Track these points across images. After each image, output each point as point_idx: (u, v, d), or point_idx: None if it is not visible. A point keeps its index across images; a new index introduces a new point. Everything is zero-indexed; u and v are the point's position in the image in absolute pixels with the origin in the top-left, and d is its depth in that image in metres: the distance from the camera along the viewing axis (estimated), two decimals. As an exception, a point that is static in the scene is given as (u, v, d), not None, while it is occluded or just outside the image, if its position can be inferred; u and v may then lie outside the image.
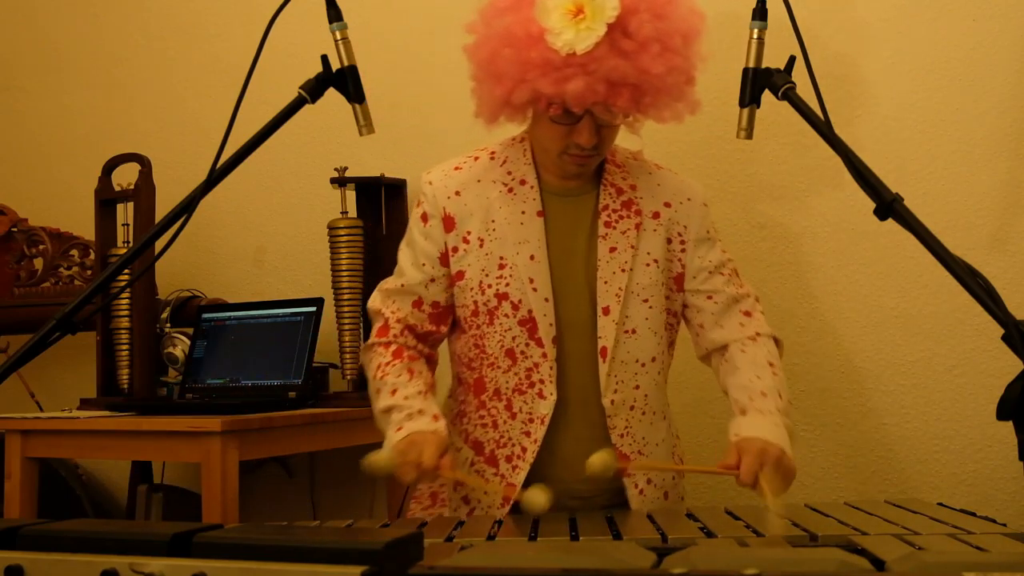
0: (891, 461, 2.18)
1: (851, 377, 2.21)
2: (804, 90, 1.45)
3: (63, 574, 0.93)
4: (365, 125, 1.59)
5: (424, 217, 1.69)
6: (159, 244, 1.50)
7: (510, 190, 1.66)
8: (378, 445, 2.56)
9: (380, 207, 2.57)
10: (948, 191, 2.13)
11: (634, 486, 1.67)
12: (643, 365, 1.67)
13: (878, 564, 1.00)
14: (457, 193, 1.67)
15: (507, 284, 1.63)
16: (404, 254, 1.73)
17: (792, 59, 1.49)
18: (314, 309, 2.46)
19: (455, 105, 2.61)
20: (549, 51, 1.46)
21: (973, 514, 1.40)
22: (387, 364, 1.66)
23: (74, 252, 2.94)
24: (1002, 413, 1.17)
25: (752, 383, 1.62)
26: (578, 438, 1.64)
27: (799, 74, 1.46)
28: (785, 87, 1.46)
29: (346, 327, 2.46)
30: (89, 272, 2.88)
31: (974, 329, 2.10)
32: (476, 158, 1.72)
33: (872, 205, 1.34)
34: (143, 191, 2.59)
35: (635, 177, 1.71)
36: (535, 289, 1.62)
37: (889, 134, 2.18)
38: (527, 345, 1.63)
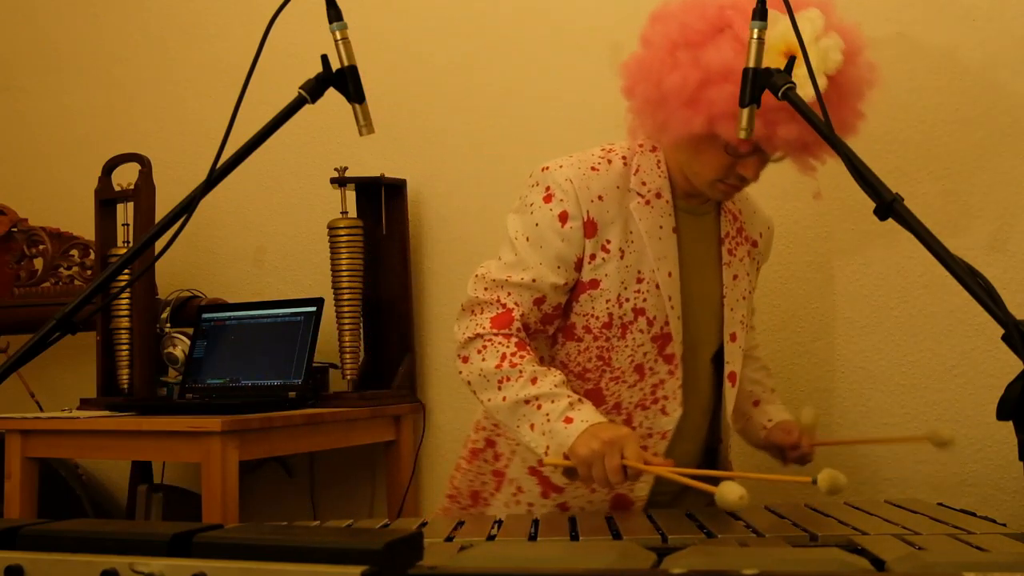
0: (891, 461, 2.18)
1: (851, 377, 2.21)
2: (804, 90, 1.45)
3: (63, 574, 0.93)
4: (365, 125, 1.59)
5: (563, 216, 1.56)
6: (159, 244, 1.50)
7: (647, 202, 1.60)
8: (378, 445, 2.56)
9: (380, 207, 2.57)
10: (948, 191, 2.13)
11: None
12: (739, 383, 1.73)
13: (878, 564, 1.00)
14: (600, 198, 1.57)
15: (644, 299, 1.58)
16: (529, 248, 1.57)
17: (792, 59, 1.49)
18: (314, 309, 2.46)
19: (455, 105, 2.62)
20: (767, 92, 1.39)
21: (973, 514, 1.40)
22: (514, 354, 1.51)
23: (74, 252, 2.94)
24: (1002, 413, 1.17)
25: (762, 380, 1.87)
26: (687, 453, 1.68)
27: (799, 74, 1.46)
28: (785, 87, 1.46)
29: (346, 327, 2.46)
30: (89, 272, 2.88)
31: (974, 329, 2.10)
32: (609, 161, 1.62)
33: (872, 205, 1.34)
34: (143, 191, 2.59)
35: (740, 201, 1.75)
36: (672, 307, 1.60)
37: (889, 134, 2.18)
38: (656, 361, 1.61)
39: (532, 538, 1.29)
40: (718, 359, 1.70)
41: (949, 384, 2.13)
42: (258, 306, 2.58)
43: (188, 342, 2.60)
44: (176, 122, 3.02)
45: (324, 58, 1.58)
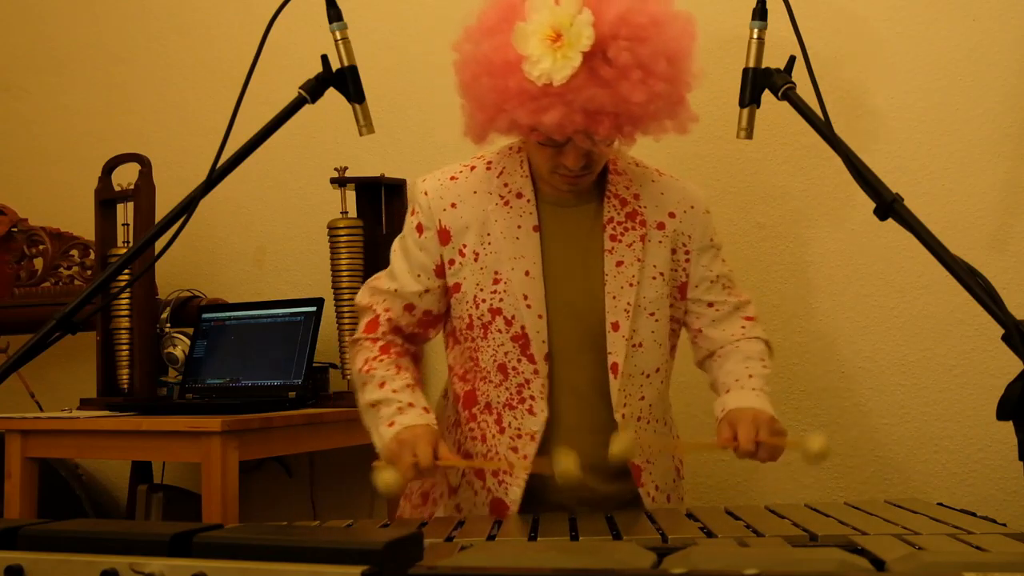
0: (891, 461, 2.18)
1: (851, 377, 2.21)
2: (804, 90, 1.45)
3: (63, 574, 0.93)
4: (365, 125, 1.59)
5: (419, 228, 1.66)
6: (159, 244, 1.50)
7: (506, 203, 1.63)
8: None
9: (380, 207, 2.57)
10: (948, 191, 2.13)
11: (647, 495, 1.66)
12: (648, 377, 1.66)
13: (878, 564, 1.00)
14: (453, 205, 1.64)
15: (501, 300, 1.61)
16: (398, 258, 1.70)
17: (792, 59, 1.49)
18: (314, 309, 2.46)
19: (455, 105, 2.62)
20: (526, 80, 1.41)
21: (973, 514, 1.40)
22: (375, 359, 1.64)
23: (74, 252, 2.94)
24: (1002, 413, 1.17)
25: (739, 370, 1.65)
26: (583, 454, 1.57)
27: (799, 74, 1.46)
28: (785, 87, 1.46)
29: (346, 327, 2.46)
30: (89, 272, 2.88)
31: (974, 329, 2.10)
32: (472, 167, 1.69)
33: (872, 205, 1.34)
34: (143, 191, 2.59)
35: (638, 185, 1.67)
36: (529, 306, 1.60)
37: (889, 134, 2.18)
38: (519, 361, 1.62)
39: (532, 538, 1.29)
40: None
41: (949, 384, 2.13)
42: (258, 306, 2.58)
43: (188, 342, 2.60)
44: (176, 122, 3.02)
45: (324, 58, 1.58)
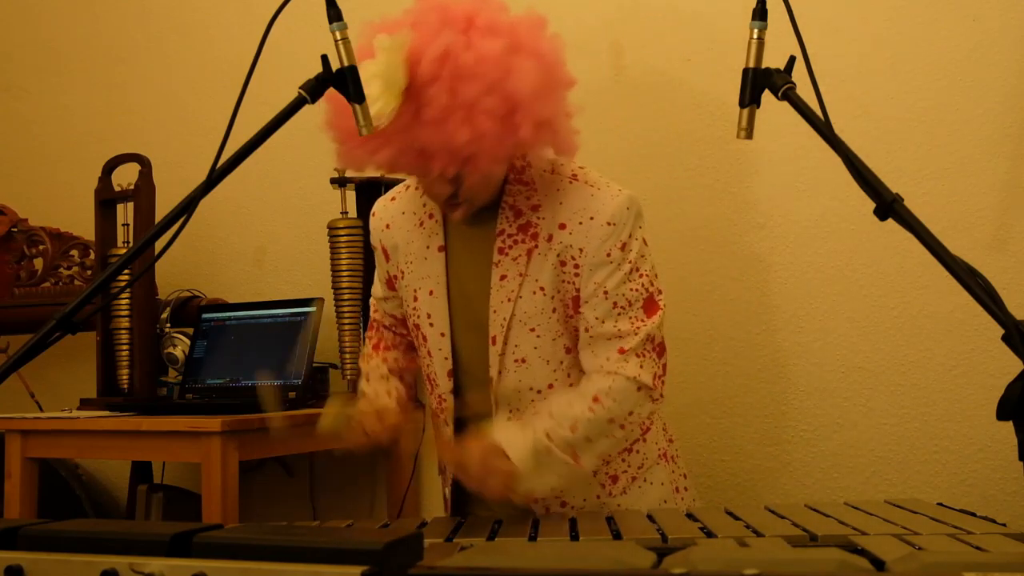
0: (891, 461, 2.18)
1: (851, 377, 2.21)
2: (804, 90, 1.45)
3: (63, 574, 0.93)
4: (365, 125, 1.59)
5: (373, 246, 1.80)
6: (159, 244, 1.50)
7: (420, 223, 1.70)
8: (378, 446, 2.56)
9: (380, 207, 2.56)
10: (948, 191, 2.13)
11: (542, 507, 1.64)
12: (539, 392, 1.61)
13: (878, 564, 1.00)
14: (387, 227, 1.74)
15: (418, 317, 1.69)
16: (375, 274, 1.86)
17: (792, 59, 1.49)
18: (314, 309, 2.46)
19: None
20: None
21: (973, 514, 1.40)
22: (367, 356, 1.82)
23: (74, 252, 2.94)
24: (1002, 413, 1.17)
25: (554, 403, 1.55)
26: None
27: (799, 74, 1.46)
28: (785, 87, 1.46)
29: (346, 327, 2.46)
30: (89, 272, 2.88)
31: (974, 329, 2.10)
32: (408, 187, 1.75)
33: (872, 205, 1.34)
34: (143, 191, 2.59)
35: (541, 195, 1.59)
36: (431, 324, 1.67)
37: (889, 134, 2.18)
38: (436, 374, 1.69)
39: (532, 538, 1.29)
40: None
41: (949, 384, 2.13)
42: (258, 306, 2.58)
43: (188, 342, 2.60)
44: (176, 122, 3.02)
45: (324, 58, 1.57)
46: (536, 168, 1.62)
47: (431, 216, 1.68)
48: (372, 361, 1.79)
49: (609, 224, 1.55)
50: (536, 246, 1.58)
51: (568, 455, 1.49)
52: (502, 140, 1.46)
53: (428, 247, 1.67)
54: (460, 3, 1.48)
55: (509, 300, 1.59)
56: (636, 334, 1.54)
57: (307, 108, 1.57)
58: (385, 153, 1.48)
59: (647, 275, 1.58)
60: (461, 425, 1.67)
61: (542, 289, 1.58)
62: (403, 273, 1.71)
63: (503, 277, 1.60)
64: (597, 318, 1.56)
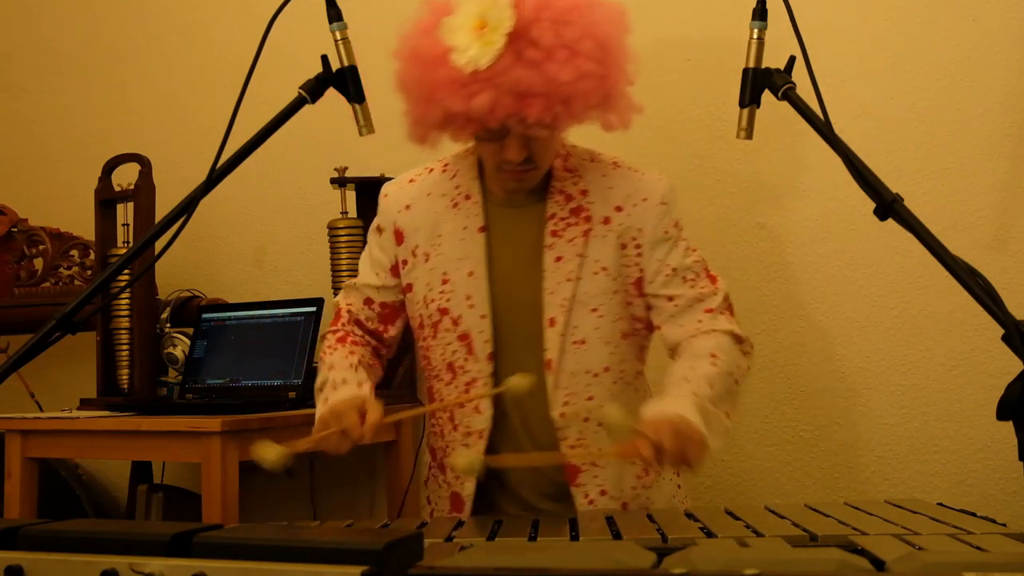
0: (891, 461, 2.18)
1: (851, 377, 2.21)
2: (804, 90, 1.45)
3: (63, 574, 0.93)
4: (365, 125, 1.59)
5: (378, 229, 1.74)
6: (159, 244, 1.50)
7: (455, 204, 1.67)
8: (378, 446, 2.56)
9: (380, 207, 2.56)
10: (948, 191, 2.13)
11: (583, 496, 1.64)
12: (595, 376, 1.63)
13: (878, 564, 1.00)
14: (407, 207, 1.70)
15: (448, 300, 1.65)
16: (363, 256, 1.78)
17: (792, 59, 1.49)
18: (314, 309, 2.46)
19: (455, 105, 2.62)
20: (454, 69, 1.44)
21: (973, 514, 1.40)
22: (329, 347, 1.71)
23: (74, 252, 2.94)
24: (1002, 413, 1.17)
25: (679, 371, 1.57)
26: (522, 451, 1.64)
27: (799, 74, 1.46)
28: (785, 87, 1.46)
29: (346, 327, 2.46)
30: (89, 272, 2.88)
31: (974, 329, 2.10)
32: (431, 170, 1.73)
33: (872, 205, 1.34)
34: (143, 191, 2.59)
35: (588, 181, 1.66)
36: (472, 306, 1.63)
37: (889, 134, 2.18)
38: (465, 360, 1.64)
39: (532, 538, 1.29)
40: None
41: (949, 384, 2.13)
42: (258, 306, 2.58)
43: (188, 342, 2.60)
44: (176, 122, 3.02)
45: (324, 58, 1.58)
46: (576, 157, 1.69)
47: (467, 197, 1.67)
48: (337, 352, 1.68)
49: (663, 203, 1.65)
50: (591, 228, 1.63)
51: (721, 411, 1.53)
52: (599, 83, 1.49)
53: (466, 228, 1.65)
54: None
55: (569, 280, 1.61)
56: (716, 295, 1.65)
57: (307, 108, 1.58)
58: (484, 97, 1.44)
59: (697, 250, 1.68)
60: (499, 408, 1.63)
61: (604, 270, 1.62)
62: (428, 256, 1.67)
63: (558, 259, 1.62)
64: (675, 293, 1.64)
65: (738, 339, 1.63)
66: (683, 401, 1.48)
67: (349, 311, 1.76)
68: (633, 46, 1.56)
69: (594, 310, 1.62)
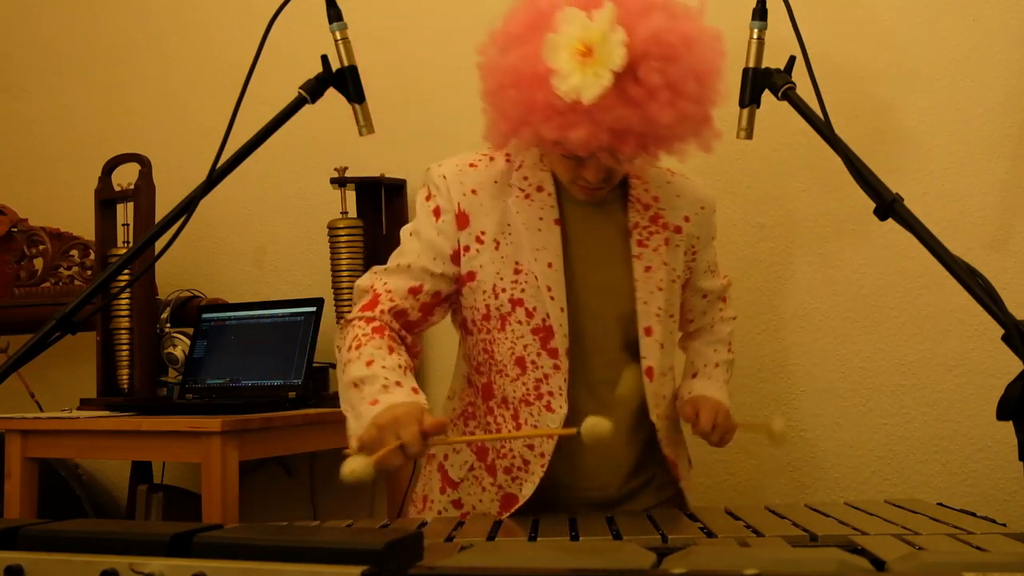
0: (891, 461, 2.18)
1: (851, 377, 2.21)
2: (804, 90, 1.45)
3: (63, 574, 0.93)
4: (365, 125, 1.59)
5: (437, 211, 1.61)
6: (159, 244, 1.50)
7: (527, 196, 1.60)
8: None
9: (380, 207, 2.57)
10: (948, 191, 2.13)
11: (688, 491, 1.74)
12: (663, 375, 1.68)
13: (878, 564, 1.00)
14: (473, 191, 1.60)
15: (522, 290, 1.57)
16: (411, 243, 1.62)
17: (792, 59, 1.49)
18: (314, 309, 2.46)
19: (456, 105, 2.62)
20: (553, 95, 1.37)
21: (973, 514, 1.40)
22: (364, 336, 1.52)
23: (74, 252, 2.94)
24: (1002, 413, 1.17)
25: (707, 354, 1.81)
26: (605, 453, 1.60)
27: (799, 74, 1.46)
28: (785, 87, 1.46)
29: (346, 327, 2.46)
30: (89, 272, 2.88)
31: (974, 329, 2.10)
32: (491, 158, 1.65)
33: (872, 205, 1.34)
34: (143, 191, 2.59)
35: (656, 187, 1.68)
36: (552, 298, 1.56)
37: (889, 134, 2.18)
38: (538, 355, 1.57)
39: (532, 538, 1.29)
40: (635, 353, 1.63)
41: (949, 384, 2.13)
42: (258, 306, 2.58)
43: (188, 342, 2.60)
44: (176, 122, 3.02)
45: (324, 58, 1.58)
46: (639, 165, 1.64)
47: (540, 189, 1.62)
48: (375, 343, 1.50)
49: (713, 211, 1.76)
50: (668, 236, 1.67)
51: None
52: (696, 123, 1.47)
53: (542, 219, 1.60)
54: None
55: (660, 290, 1.64)
56: (726, 286, 1.85)
57: (307, 108, 1.57)
58: (581, 130, 1.39)
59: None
60: (573, 405, 1.58)
61: (679, 278, 1.70)
62: (498, 243, 1.59)
63: (648, 268, 1.63)
64: (708, 288, 1.79)
65: (732, 327, 1.87)
66: (723, 391, 1.75)
67: (391, 299, 1.58)
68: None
69: (672, 316, 1.69)
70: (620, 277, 1.63)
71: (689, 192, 1.72)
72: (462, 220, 1.60)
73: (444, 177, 1.61)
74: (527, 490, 1.58)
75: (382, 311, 1.57)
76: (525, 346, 1.58)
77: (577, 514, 1.48)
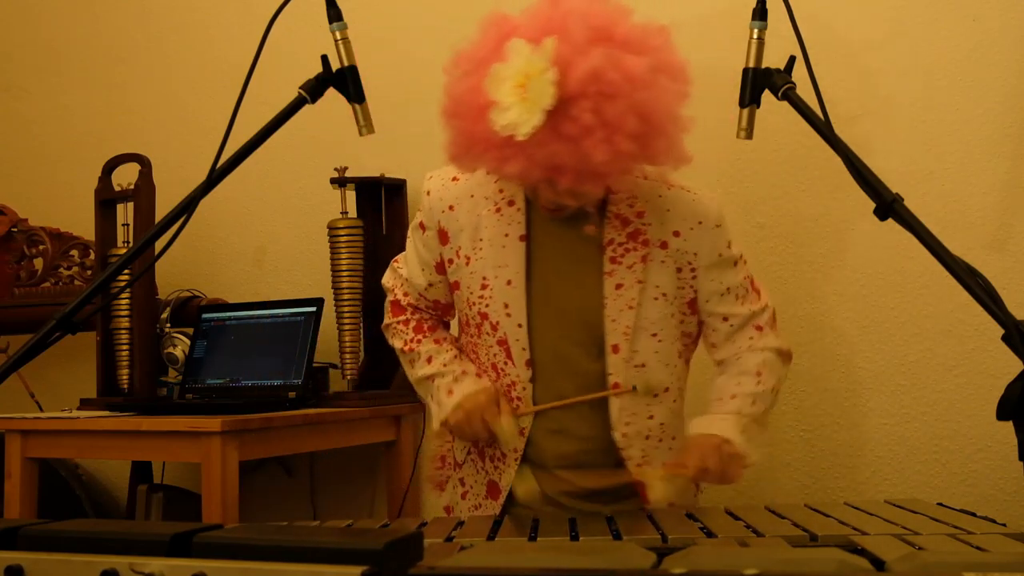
0: (891, 461, 2.18)
1: (851, 377, 2.21)
2: (804, 90, 1.45)
3: (63, 574, 0.93)
4: (365, 125, 1.59)
5: (422, 226, 1.73)
6: (159, 244, 1.50)
7: (498, 209, 1.65)
8: (378, 445, 2.57)
9: (380, 207, 2.57)
10: (948, 191, 2.13)
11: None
12: (655, 396, 1.66)
13: (878, 564, 1.00)
14: (451, 208, 1.68)
15: (487, 305, 1.65)
16: (409, 250, 1.78)
17: (792, 59, 1.49)
18: (314, 309, 2.46)
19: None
20: (491, 128, 1.39)
21: (973, 514, 1.40)
22: (413, 340, 1.76)
23: (74, 252, 2.94)
24: (1002, 413, 1.17)
25: (726, 387, 1.69)
26: (565, 457, 1.67)
27: (799, 74, 1.46)
28: (785, 87, 1.46)
29: (346, 327, 2.46)
30: (89, 272, 2.88)
31: (974, 329, 2.10)
32: (474, 170, 1.66)
33: (872, 205, 1.34)
34: (143, 191, 2.59)
35: (644, 202, 1.64)
36: (509, 315, 1.63)
37: (889, 134, 2.18)
38: (505, 363, 1.66)
39: (532, 538, 1.29)
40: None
41: (949, 384, 2.13)
42: (258, 306, 2.58)
43: (188, 342, 2.60)
44: (176, 122, 3.02)
45: (324, 58, 1.58)
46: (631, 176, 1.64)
47: (511, 203, 1.65)
48: (431, 345, 1.74)
49: (717, 226, 1.66)
50: (649, 252, 1.62)
51: (760, 425, 1.66)
52: (635, 159, 1.47)
53: (507, 235, 1.63)
54: (597, 11, 1.43)
55: (630, 308, 1.61)
56: (764, 311, 1.72)
57: (307, 108, 1.57)
58: (516, 165, 1.42)
59: (743, 260, 1.72)
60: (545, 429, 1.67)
61: (664, 295, 1.64)
62: (469, 259, 1.66)
63: (619, 286, 1.61)
64: (730, 312, 1.69)
65: (782, 354, 1.72)
66: (728, 421, 1.62)
67: (409, 302, 1.79)
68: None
69: (654, 335, 1.64)
70: (590, 294, 1.62)
71: (683, 206, 1.65)
72: (443, 236, 1.70)
73: (428, 193, 1.71)
74: (507, 479, 1.68)
75: (412, 312, 1.79)
76: (495, 354, 1.67)
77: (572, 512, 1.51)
